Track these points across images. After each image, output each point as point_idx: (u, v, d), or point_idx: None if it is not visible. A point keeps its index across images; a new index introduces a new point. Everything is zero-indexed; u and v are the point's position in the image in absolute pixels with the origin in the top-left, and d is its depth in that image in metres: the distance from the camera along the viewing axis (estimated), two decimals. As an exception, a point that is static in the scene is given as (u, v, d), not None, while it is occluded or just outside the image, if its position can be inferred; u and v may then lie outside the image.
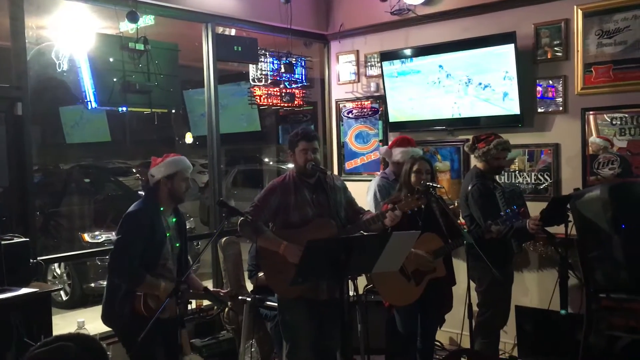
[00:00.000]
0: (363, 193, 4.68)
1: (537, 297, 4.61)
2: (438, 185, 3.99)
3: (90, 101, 4.41)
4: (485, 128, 4.83)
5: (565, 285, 3.91)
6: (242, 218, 3.46)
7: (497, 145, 4.16)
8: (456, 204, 4.31)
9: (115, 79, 4.41)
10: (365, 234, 3.57)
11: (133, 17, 4.28)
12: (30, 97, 4.10)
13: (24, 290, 3.43)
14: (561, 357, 4.19)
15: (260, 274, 4.25)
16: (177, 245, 3.50)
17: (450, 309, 4.02)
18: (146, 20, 4.83)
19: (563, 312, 3.84)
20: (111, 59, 4.45)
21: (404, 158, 4.27)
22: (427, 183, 3.75)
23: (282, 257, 3.41)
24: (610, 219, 3.82)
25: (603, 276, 3.92)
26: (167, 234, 3.42)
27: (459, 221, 3.99)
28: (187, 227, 3.99)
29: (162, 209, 3.43)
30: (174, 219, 3.52)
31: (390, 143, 4.81)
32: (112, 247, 3.39)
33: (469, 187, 4.17)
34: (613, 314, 3.92)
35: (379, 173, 4.93)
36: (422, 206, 3.61)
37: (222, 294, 3.61)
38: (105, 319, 3.41)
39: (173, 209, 3.53)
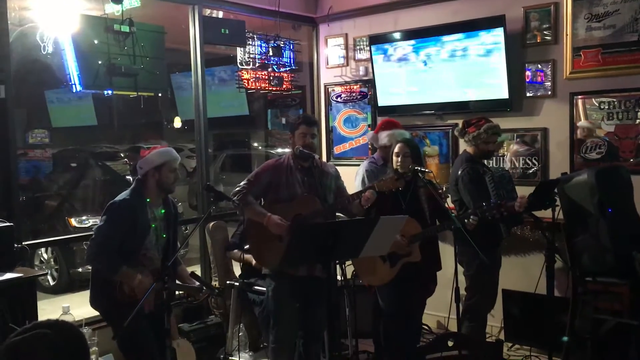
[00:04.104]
0: (352, 177, 4.67)
1: (524, 281, 4.63)
2: (427, 170, 3.98)
3: (74, 84, 4.34)
4: (474, 112, 4.82)
5: (551, 269, 3.94)
6: (236, 189, 3.63)
7: (488, 130, 4.15)
8: (444, 188, 4.30)
9: (100, 62, 4.34)
10: (352, 219, 3.60)
11: (117, -2, 4.22)
12: (14, 79, 4.03)
13: (8, 276, 3.40)
14: (547, 341, 4.22)
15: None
16: (164, 236, 3.49)
17: (432, 294, 4.05)
18: (132, 2, 4.75)
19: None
20: (96, 41, 4.37)
21: (391, 141, 4.24)
22: (416, 167, 3.75)
23: (266, 229, 3.55)
24: (597, 203, 3.84)
25: (589, 260, 3.94)
26: (152, 225, 3.42)
27: (448, 206, 3.98)
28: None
29: (148, 200, 3.42)
30: (162, 210, 3.51)
31: (376, 127, 4.78)
32: (92, 234, 3.39)
33: (459, 172, 4.16)
34: (598, 297, 3.95)
35: (367, 158, 4.90)
36: (400, 188, 3.61)
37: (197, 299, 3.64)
38: (92, 302, 3.44)
39: (163, 199, 3.52)
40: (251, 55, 5.43)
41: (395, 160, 3.85)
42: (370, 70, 5.58)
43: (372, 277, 3.93)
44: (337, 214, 3.89)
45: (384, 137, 4.41)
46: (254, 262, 4.43)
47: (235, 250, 4.69)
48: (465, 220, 3.75)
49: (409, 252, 3.78)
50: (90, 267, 3.54)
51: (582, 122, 4.56)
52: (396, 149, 3.87)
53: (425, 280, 3.95)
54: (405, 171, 3.71)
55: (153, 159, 3.40)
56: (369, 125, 5.80)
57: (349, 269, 4.11)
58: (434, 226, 3.82)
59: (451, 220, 3.67)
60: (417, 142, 4.43)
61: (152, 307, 3.25)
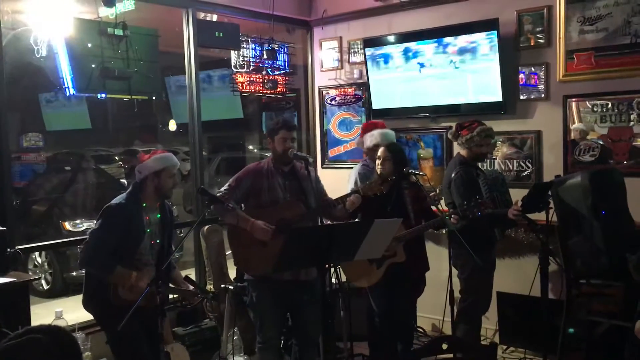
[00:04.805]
0: (346, 181, 4.67)
1: (518, 284, 4.64)
2: (420, 172, 4.02)
3: (68, 87, 4.33)
4: (467, 115, 4.83)
5: (546, 272, 3.95)
6: (217, 195, 3.59)
7: (481, 133, 4.16)
8: (438, 191, 4.32)
9: (93, 65, 4.33)
10: (348, 222, 3.61)
11: (109, 2, 4.20)
12: (8, 83, 4.02)
13: (1, 280, 3.39)
14: (542, 343, 4.23)
15: None
16: (158, 241, 3.49)
17: (421, 294, 4.08)
18: (126, 5, 4.75)
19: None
20: (89, 45, 4.36)
21: (373, 141, 4.41)
22: (410, 170, 3.82)
23: (249, 234, 3.53)
24: (591, 206, 3.84)
25: (583, 262, 3.95)
26: (148, 230, 3.41)
27: (442, 208, 4.00)
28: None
29: (145, 205, 3.41)
30: (158, 215, 3.50)
31: (360, 133, 4.87)
32: (87, 237, 3.37)
33: (452, 175, 4.17)
34: (593, 299, 3.96)
35: (361, 160, 4.91)
36: (384, 192, 3.66)
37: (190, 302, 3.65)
38: (85, 305, 3.44)
39: (159, 204, 3.51)
40: (245, 59, 5.43)
41: (377, 164, 3.93)
42: (365, 73, 5.59)
43: (360, 279, 3.98)
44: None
45: (367, 139, 4.54)
46: None
47: None
48: (447, 219, 3.80)
49: (394, 253, 3.81)
50: (83, 271, 3.53)
51: (576, 125, 4.57)
52: (379, 153, 3.97)
53: (414, 280, 3.98)
54: (388, 175, 3.74)
55: (153, 165, 3.40)
56: (363, 128, 5.80)
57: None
58: (417, 226, 3.85)
59: (433, 220, 3.74)
60: (401, 146, 4.49)
61: (154, 302, 3.22)
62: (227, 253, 4.65)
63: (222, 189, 3.69)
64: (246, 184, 3.68)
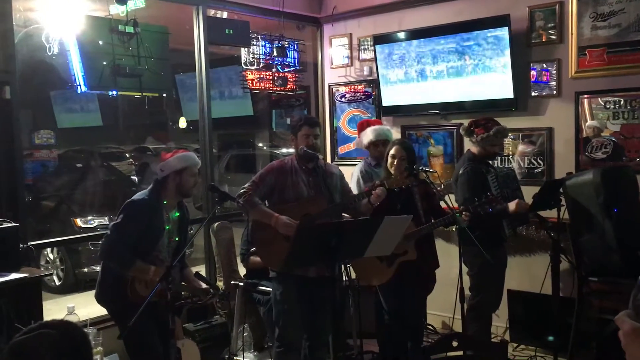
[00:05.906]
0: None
1: (529, 281, 4.63)
2: (431, 170, 4.00)
3: (79, 85, 4.37)
4: (478, 112, 4.80)
5: (557, 269, 3.93)
6: (241, 191, 3.61)
7: (497, 133, 4.13)
8: (442, 186, 4.32)
9: (104, 63, 4.36)
10: (357, 219, 3.60)
11: (121, -1, 4.24)
12: (20, 80, 4.05)
13: (14, 276, 3.42)
14: (553, 341, 4.22)
15: (253, 257, 4.32)
16: (176, 239, 3.51)
17: (430, 292, 4.07)
18: (137, 3, 4.77)
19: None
20: (101, 42, 4.40)
21: (369, 138, 4.53)
22: (421, 167, 3.81)
23: (274, 230, 3.52)
24: (602, 203, 3.82)
25: (594, 260, 3.93)
26: (167, 227, 3.43)
27: (451, 205, 3.98)
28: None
29: (165, 202, 3.44)
30: (177, 213, 3.53)
31: (358, 134, 4.91)
32: (108, 230, 3.41)
33: (460, 171, 4.16)
34: (604, 297, 3.93)
35: (363, 158, 4.91)
36: (410, 185, 3.66)
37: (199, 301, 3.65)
38: (99, 299, 3.47)
39: (177, 202, 3.54)
40: (255, 56, 5.43)
41: (391, 162, 3.87)
42: (375, 70, 5.57)
43: (371, 278, 3.95)
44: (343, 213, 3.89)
45: (362, 138, 4.62)
46: None
47: (252, 257, 4.62)
48: (459, 216, 3.78)
49: (405, 251, 3.79)
50: (97, 267, 3.56)
51: (590, 122, 4.54)
52: (392, 151, 3.90)
53: (424, 277, 3.97)
54: (401, 173, 3.73)
55: (175, 163, 3.43)
56: (373, 125, 5.78)
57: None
58: (427, 224, 3.83)
59: (444, 217, 3.72)
60: (411, 144, 4.47)
61: (164, 297, 3.23)
62: (252, 249, 4.63)
63: (246, 185, 3.68)
64: (270, 181, 3.67)
